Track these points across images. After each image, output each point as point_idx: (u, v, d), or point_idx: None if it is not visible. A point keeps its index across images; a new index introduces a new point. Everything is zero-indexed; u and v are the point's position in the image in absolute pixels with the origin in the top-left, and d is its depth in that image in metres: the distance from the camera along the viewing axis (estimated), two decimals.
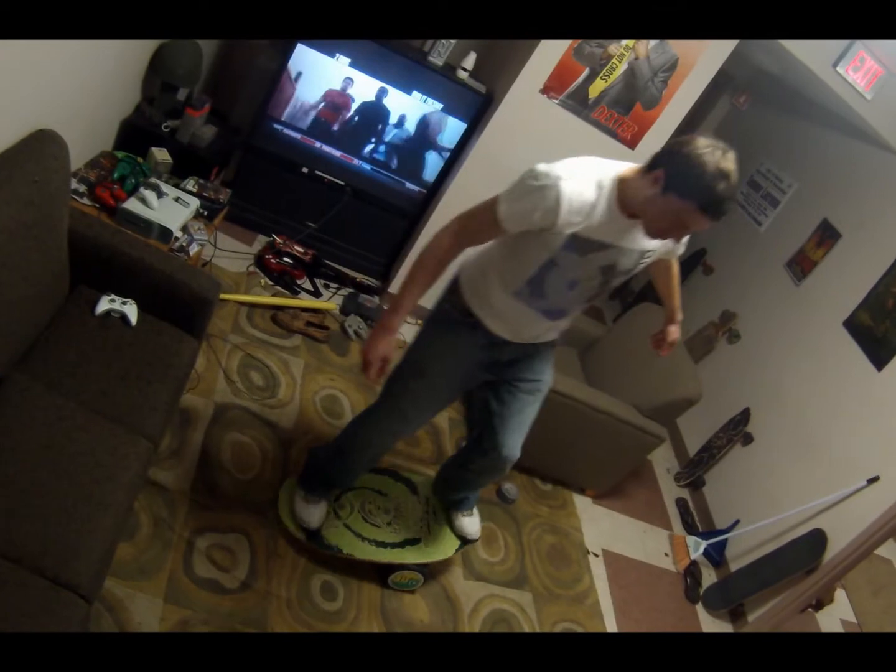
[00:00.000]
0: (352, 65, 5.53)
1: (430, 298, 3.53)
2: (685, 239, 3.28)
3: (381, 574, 4.32)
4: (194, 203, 4.67)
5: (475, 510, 4.60)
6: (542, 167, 2.97)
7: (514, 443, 3.89)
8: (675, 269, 3.82)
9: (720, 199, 2.72)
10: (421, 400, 3.80)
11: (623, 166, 3.06)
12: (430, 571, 4.44)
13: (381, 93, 5.72)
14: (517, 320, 3.49)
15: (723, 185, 2.69)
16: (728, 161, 2.72)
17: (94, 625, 3.17)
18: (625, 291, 9.42)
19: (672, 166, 2.80)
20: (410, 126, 5.96)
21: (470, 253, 3.48)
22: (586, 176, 3.01)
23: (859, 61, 5.52)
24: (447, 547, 4.46)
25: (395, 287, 6.49)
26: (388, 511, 4.44)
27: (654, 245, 3.19)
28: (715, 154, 2.70)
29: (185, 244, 4.46)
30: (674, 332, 4.00)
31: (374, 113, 5.84)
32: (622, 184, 3.00)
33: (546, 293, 3.33)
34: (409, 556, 4.28)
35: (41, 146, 3.20)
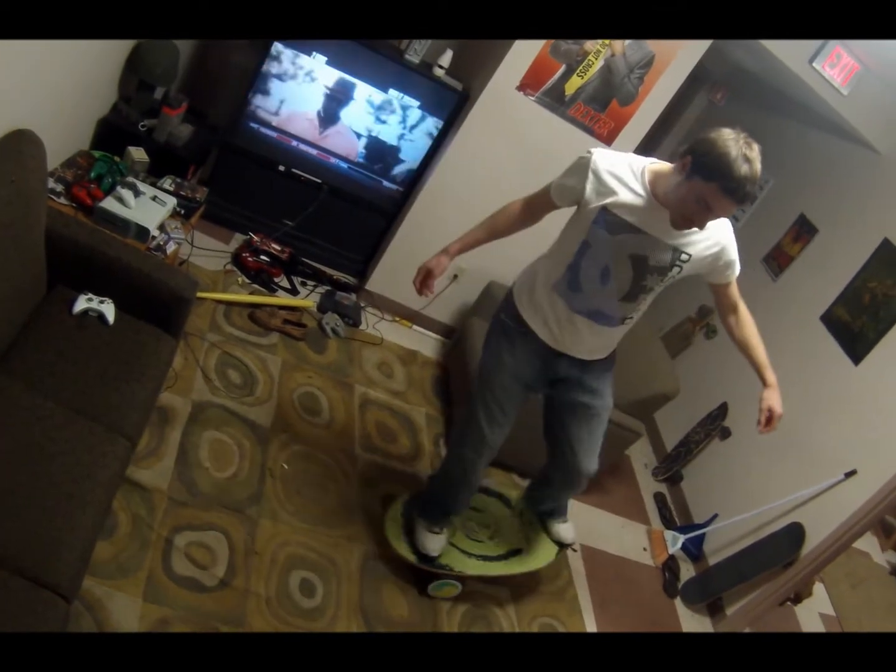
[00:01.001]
0: (328, 63, 5.52)
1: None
2: (734, 259, 3.53)
3: (420, 582, 4.41)
4: (171, 202, 4.67)
5: (568, 517, 4.71)
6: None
7: (588, 460, 4.08)
8: (745, 315, 3.80)
9: (742, 180, 2.90)
10: (493, 411, 3.94)
11: (660, 162, 3.30)
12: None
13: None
14: (558, 321, 3.65)
15: (745, 168, 2.88)
16: (752, 150, 2.93)
17: (74, 624, 3.17)
18: None
19: (698, 152, 2.99)
20: (387, 123, 5.97)
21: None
22: (620, 156, 3.31)
23: (836, 57, 5.54)
24: (547, 553, 4.60)
25: (372, 284, 6.52)
26: (489, 526, 4.61)
27: (688, 245, 3.33)
28: (739, 141, 2.93)
29: (162, 243, 4.46)
30: (768, 398, 3.66)
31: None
32: (656, 174, 3.23)
33: (581, 284, 3.50)
34: (515, 567, 4.44)
35: (18, 146, 3.20)
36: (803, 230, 6.75)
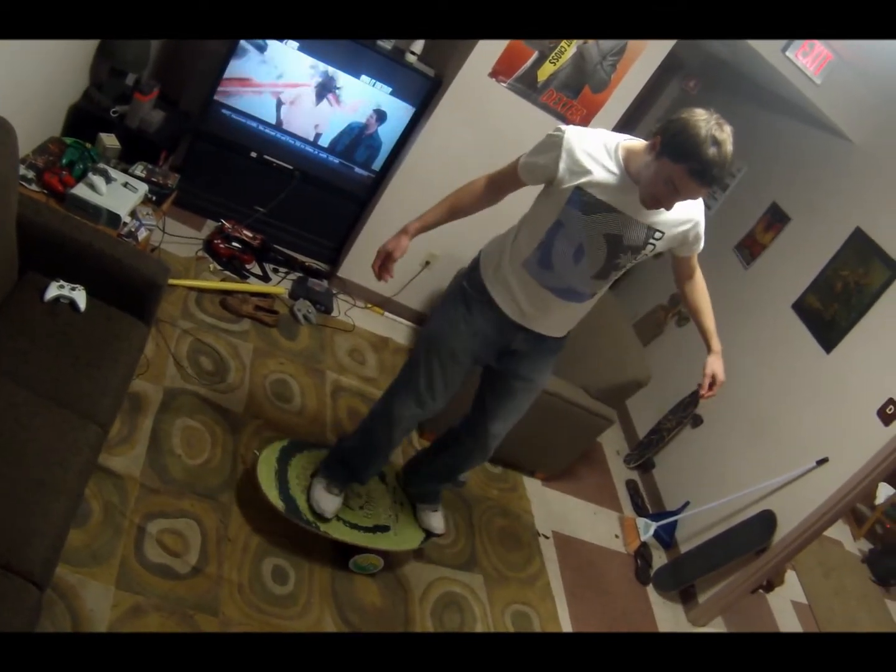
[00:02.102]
0: (300, 48, 5.51)
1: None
2: (702, 233, 3.49)
3: (343, 554, 4.33)
4: (143, 188, 4.66)
5: (440, 507, 4.64)
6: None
7: (500, 426, 4.04)
8: (700, 281, 3.82)
9: (709, 163, 2.86)
10: (435, 376, 3.87)
11: (634, 139, 3.26)
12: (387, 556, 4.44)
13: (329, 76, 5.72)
14: (528, 297, 3.58)
15: (713, 150, 2.84)
16: (722, 132, 2.88)
17: (47, 612, 3.16)
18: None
19: (669, 132, 2.96)
20: (358, 110, 5.95)
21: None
22: (594, 133, 3.25)
23: (808, 46, 5.56)
24: (413, 538, 4.50)
25: (344, 271, 6.53)
26: (361, 495, 4.48)
27: (662, 223, 3.30)
28: (710, 123, 2.87)
29: (133, 229, 4.45)
30: (712, 363, 3.75)
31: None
32: (630, 151, 3.19)
33: (553, 263, 3.45)
34: (379, 542, 4.31)
35: None
36: (776, 218, 6.78)
